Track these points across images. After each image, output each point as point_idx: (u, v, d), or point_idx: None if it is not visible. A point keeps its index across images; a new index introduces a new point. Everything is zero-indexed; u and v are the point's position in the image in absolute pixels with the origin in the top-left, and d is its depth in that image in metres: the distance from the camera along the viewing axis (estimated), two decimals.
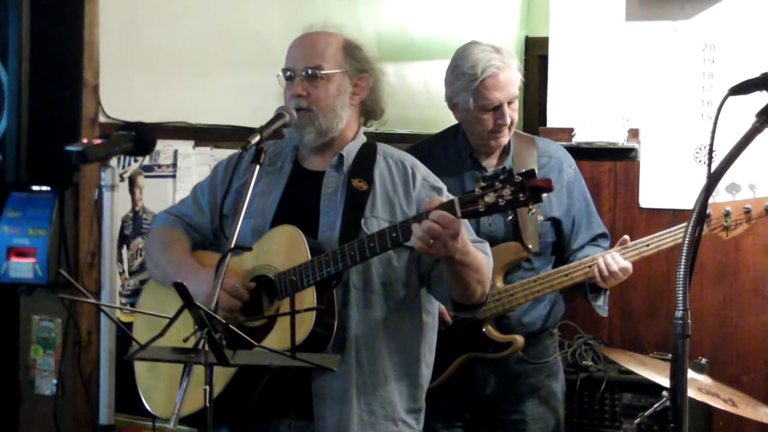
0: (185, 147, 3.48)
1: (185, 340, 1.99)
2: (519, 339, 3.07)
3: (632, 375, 3.30)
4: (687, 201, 3.71)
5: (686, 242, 1.80)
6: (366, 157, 2.55)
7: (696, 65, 3.90)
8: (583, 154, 3.97)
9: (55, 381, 3.15)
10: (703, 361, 3.04)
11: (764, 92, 1.85)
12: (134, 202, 3.32)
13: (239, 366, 2.12)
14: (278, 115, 2.43)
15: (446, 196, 2.41)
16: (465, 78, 3.02)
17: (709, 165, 1.85)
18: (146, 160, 3.33)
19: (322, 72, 2.47)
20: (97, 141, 2.43)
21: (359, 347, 2.45)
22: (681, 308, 1.79)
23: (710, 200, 2.98)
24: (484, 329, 3.07)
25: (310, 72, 2.47)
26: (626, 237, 3.05)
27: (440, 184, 2.57)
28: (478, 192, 2.16)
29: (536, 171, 2.18)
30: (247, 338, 1.97)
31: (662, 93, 3.95)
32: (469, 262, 2.33)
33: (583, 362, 3.61)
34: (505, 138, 3.09)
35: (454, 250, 2.24)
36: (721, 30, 3.87)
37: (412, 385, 2.54)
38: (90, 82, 3.10)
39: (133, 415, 2.89)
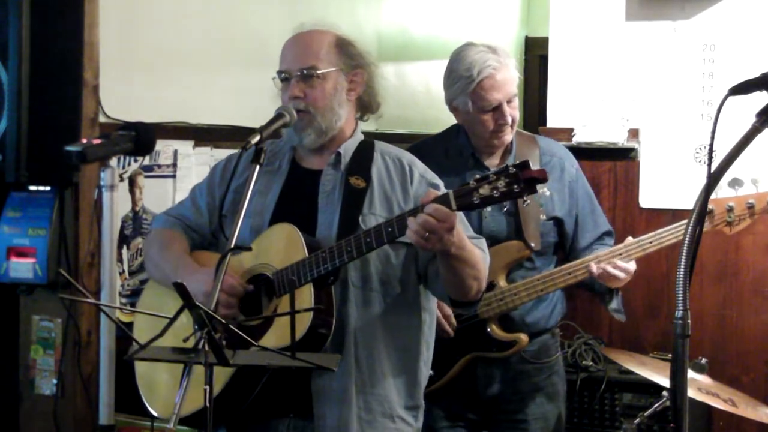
0: (185, 147, 3.48)
1: (185, 340, 1.99)
2: (523, 338, 3.07)
3: (632, 375, 3.29)
4: (687, 201, 3.71)
5: (686, 242, 1.80)
6: (363, 154, 2.56)
7: (696, 65, 3.90)
8: (583, 154, 3.96)
9: (55, 381, 3.15)
10: (703, 361, 3.04)
11: (764, 92, 1.85)
12: (134, 202, 3.32)
13: (238, 366, 2.12)
14: (278, 115, 2.43)
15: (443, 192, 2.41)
16: (462, 81, 3.02)
17: (709, 165, 1.85)
18: (146, 160, 3.33)
19: (318, 72, 2.48)
20: (97, 141, 2.44)
21: (358, 345, 2.45)
22: (681, 308, 1.79)
23: (713, 196, 2.99)
24: (488, 329, 3.07)
25: (305, 72, 2.48)
26: (630, 237, 3.06)
27: (438, 180, 2.57)
28: (473, 185, 2.17)
29: (531, 161, 2.18)
30: (247, 338, 1.97)
31: (662, 93, 3.95)
32: (464, 257, 2.33)
33: (583, 362, 3.60)
34: (508, 137, 3.08)
35: (450, 243, 2.24)
36: (721, 30, 3.87)
37: (411, 383, 2.55)
38: (90, 82, 3.10)
39: (133, 415, 2.90)
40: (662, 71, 3.94)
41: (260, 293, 2.46)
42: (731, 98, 1.83)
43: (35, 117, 3.00)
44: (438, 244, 2.23)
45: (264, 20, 3.87)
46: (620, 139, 3.94)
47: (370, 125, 2.74)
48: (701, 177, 3.29)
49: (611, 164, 4.01)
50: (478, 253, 2.42)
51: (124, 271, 3.27)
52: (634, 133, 3.95)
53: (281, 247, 2.42)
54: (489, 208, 3.05)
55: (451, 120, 3.23)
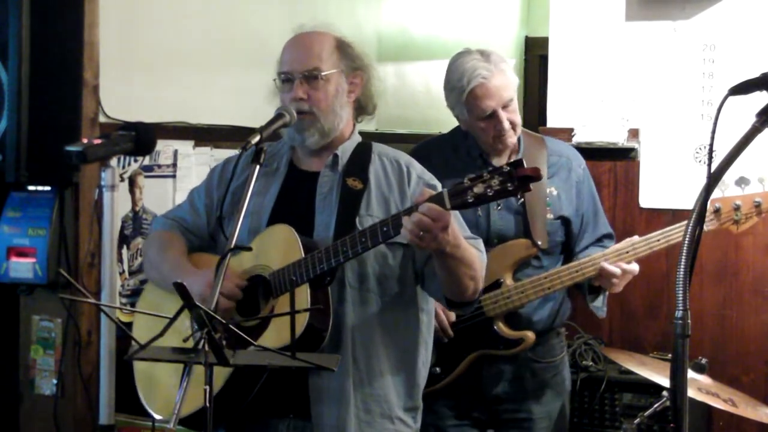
0: (185, 147, 3.48)
1: (185, 340, 2.00)
2: (530, 335, 3.07)
3: (632, 375, 3.29)
4: (687, 201, 3.71)
5: (686, 242, 1.80)
6: (361, 156, 2.56)
7: (696, 65, 3.90)
8: (583, 154, 3.95)
9: (55, 381, 3.15)
10: (703, 361, 3.04)
11: (764, 92, 1.85)
12: (134, 202, 3.32)
13: (237, 366, 2.12)
14: (278, 115, 2.43)
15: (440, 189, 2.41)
16: (456, 91, 3.05)
17: (709, 165, 1.85)
18: (146, 160, 3.33)
19: (322, 74, 2.48)
20: (97, 141, 2.44)
21: (355, 345, 2.45)
22: (681, 308, 1.79)
23: (720, 194, 3.00)
24: (495, 326, 3.08)
25: (309, 74, 2.48)
26: (636, 236, 3.06)
27: (435, 182, 2.57)
28: (467, 183, 2.17)
29: (540, 170, 2.18)
30: (248, 338, 1.97)
31: (662, 93, 3.95)
32: (460, 257, 2.33)
33: (583, 362, 3.60)
34: (512, 139, 3.09)
35: (445, 242, 2.24)
36: (721, 30, 3.87)
37: (409, 383, 2.55)
38: (90, 82, 3.10)
39: (133, 415, 2.90)
40: (662, 71, 3.94)
41: (257, 294, 2.46)
42: (731, 98, 1.83)
43: (35, 117, 3.00)
44: (433, 243, 2.23)
45: (264, 20, 3.87)
46: (620, 139, 3.94)
47: (369, 125, 2.75)
48: (701, 177, 3.29)
49: (611, 164, 4.01)
50: (475, 253, 2.42)
51: (124, 271, 3.27)
52: (634, 133, 3.95)
53: (278, 248, 2.42)
54: (497, 207, 3.06)
55: (451, 119, 3.24)
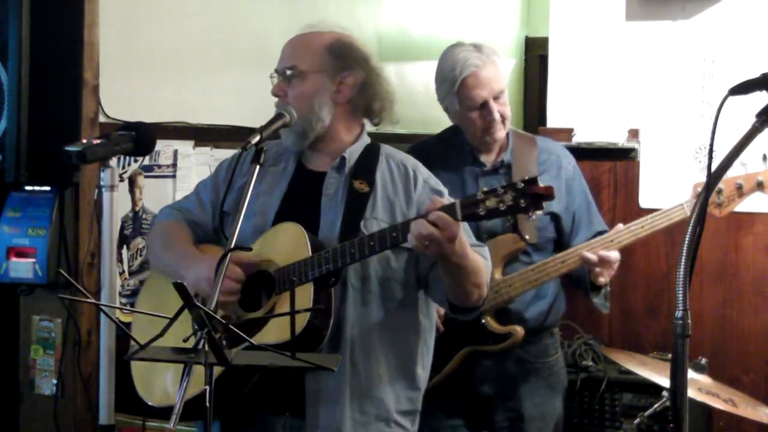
0: (185, 147, 3.48)
1: (185, 340, 1.99)
2: (519, 330, 3.07)
3: (632, 375, 3.29)
4: None
5: (686, 242, 1.80)
6: (368, 158, 2.55)
7: (696, 65, 3.90)
8: (583, 154, 3.96)
9: (55, 381, 3.15)
10: (703, 361, 3.04)
11: (764, 92, 1.85)
12: (134, 202, 3.32)
13: (236, 365, 2.12)
14: (278, 115, 2.43)
15: (447, 199, 2.41)
16: (447, 81, 3.06)
17: (709, 165, 1.85)
18: (146, 160, 3.33)
19: (297, 71, 2.48)
20: (97, 141, 2.44)
21: (354, 346, 2.45)
22: (681, 308, 1.79)
23: (697, 176, 2.99)
24: (483, 321, 3.08)
25: (286, 72, 2.49)
26: (620, 225, 3.06)
27: (441, 187, 2.57)
28: (480, 196, 2.17)
29: (537, 176, 2.19)
30: (247, 339, 1.96)
31: (662, 93, 3.95)
32: (465, 266, 2.33)
33: (583, 362, 3.60)
34: (501, 133, 3.09)
35: (451, 252, 2.24)
36: (721, 30, 3.86)
37: (408, 387, 2.54)
38: (90, 82, 3.10)
39: (133, 415, 2.90)
40: (662, 71, 3.94)
41: (260, 290, 2.46)
42: (731, 98, 1.83)
43: (35, 117, 3.00)
44: (438, 251, 2.23)
45: (264, 20, 3.87)
46: (620, 139, 3.94)
47: (369, 125, 2.74)
48: (701, 177, 3.30)
49: (611, 164, 4.00)
50: (480, 261, 2.41)
51: (124, 271, 3.27)
52: (634, 133, 3.95)
53: (286, 245, 2.42)
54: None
55: (448, 121, 3.24)
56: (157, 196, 3.36)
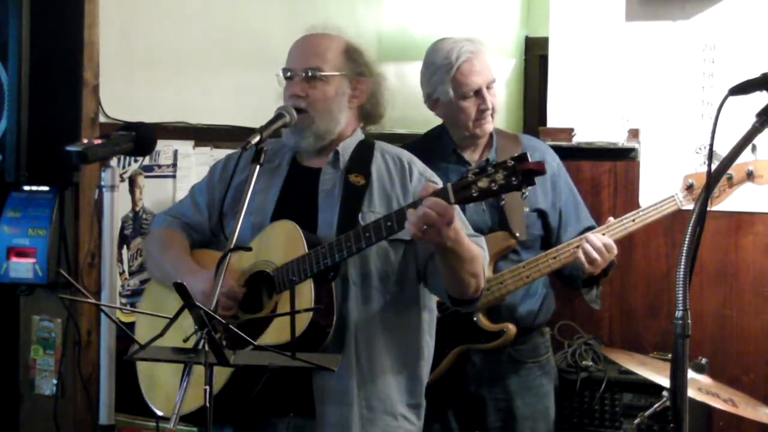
0: (185, 147, 3.48)
1: (185, 340, 2.00)
2: (511, 327, 3.07)
3: (632, 375, 3.30)
4: None
5: (686, 242, 1.80)
6: (363, 153, 2.57)
7: (696, 65, 3.90)
8: (583, 154, 3.97)
9: (55, 381, 3.15)
10: (703, 361, 3.04)
11: (764, 92, 1.85)
12: (134, 202, 3.32)
13: (238, 366, 2.12)
14: (278, 115, 2.44)
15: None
16: (441, 70, 3.08)
17: (709, 165, 1.85)
18: (146, 160, 3.33)
19: (321, 74, 2.48)
20: (97, 141, 2.44)
21: (358, 342, 2.46)
22: (681, 308, 1.79)
23: (693, 171, 3.00)
24: (475, 318, 3.08)
25: (309, 73, 2.48)
26: (610, 218, 3.07)
27: (436, 178, 2.59)
28: (471, 178, 2.17)
29: (527, 152, 2.19)
30: (248, 339, 1.96)
31: (662, 93, 3.95)
32: (462, 253, 2.33)
33: (583, 362, 3.60)
34: (490, 125, 3.11)
35: (447, 237, 2.24)
36: (721, 30, 3.87)
37: (411, 380, 2.55)
38: (90, 82, 3.10)
39: (133, 415, 2.90)
40: (662, 71, 3.94)
41: (261, 290, 2.46)
42: (731, 98, 1.83)
43: (35, 117, 3.00)
44: (436, 237, 2.22)
45: (264, 20, 3.87)
46: (620, 139, 3.95)
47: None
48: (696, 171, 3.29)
49: (611, 164, 4.01)
50: (476, 250, 2.42)
51: (124, 271, 3.27)
52: (634, 133, 3.95)
53: (281, 244, 2.43)
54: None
55: None
56: (157, 196, 3.36)
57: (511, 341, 3.10)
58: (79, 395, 3.13)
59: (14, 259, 3.10)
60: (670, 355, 3.31)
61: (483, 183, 2.16)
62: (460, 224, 2.35)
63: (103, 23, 3.11)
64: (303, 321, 2.28)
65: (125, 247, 3.28)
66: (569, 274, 3.14)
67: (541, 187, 3.13)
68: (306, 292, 2.34)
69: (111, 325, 2.63)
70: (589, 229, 3.20)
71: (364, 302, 2.46)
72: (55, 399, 3.13)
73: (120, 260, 3.23)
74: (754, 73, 1.87)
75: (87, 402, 3.13)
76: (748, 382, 3.76)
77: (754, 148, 3.03)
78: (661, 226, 3.10)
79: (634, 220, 3.04)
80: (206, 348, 1.91)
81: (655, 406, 3.03)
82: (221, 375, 2.35)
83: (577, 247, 3.03)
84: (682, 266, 1.79)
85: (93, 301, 2.69)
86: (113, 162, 3.09)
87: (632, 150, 3.97)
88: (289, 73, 2.52)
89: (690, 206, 3.01)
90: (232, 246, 2.19)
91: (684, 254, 1.80)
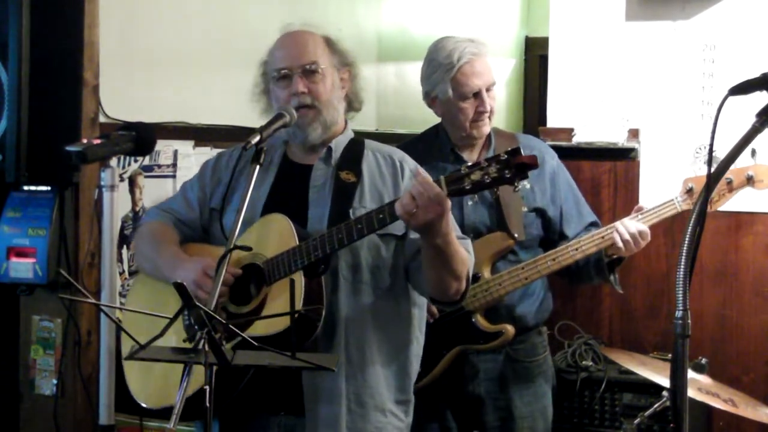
0: (185, 147, 3.48)
1: (185, 341, 2.00)
2: (509, 328, 3.07)
3: (632, 375, 3.29)
4: None
5: (686, 242, 1.80)
6: (354, 150, 2.59)
7: (696, 65, 3.90)
8: (583, 154, 3.97)
9: (55, 381, 3.15)
10: (703, 361, 3.04)
11: (764, 92, 1.85)
12: (134, 202, 3.32)
13: (241, 365, 2.11)
14: (278, 115, 2.44)
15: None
16: (442, 68, 3.08)
17: (709, 165, 1.85)
18: (146, 160, 3.33)
19: (320, 67, 2.51)
20: (97, 141, 2.44)
21: (348, 337, 2.46)
22: (681, 308, 1.79)
23: (692, 174, 3.00)
24: (473, 319, 3.08)
25: (308, 69, 2.50)
26: (641, 205, 3.06)
27: (428, 177, 2.59)
28: (465, 171, 2.19)
29: (519, 146, 2.19)
30: (249, 339, 1.96)
31: (662, 93, 3.95)
32: (449, 252, 2.33)
33: (583, 362, 3.60)
34: (487, 127, 3.11)
35: (438, 230, 2.25)
36: (721, 30, 3.86)
37: (401, 376, 2.56)
38: (90, 82, 3.10)
39: (133, 415, 2.90)
40: (662, 71, 3.94)
41: (249, 281, 2.46)
42: (731, 98, 1.83)
43: (35, 117, 3.00)
44: (425, 217, 2.21)
45: (264, 20, 3.87)
46: (620, 139, 3.94)
47: (370, 125, 2.76)
48: (696, 173, 3.29)
49: (611, 164, 4.00)
50: (463, 252, 2.42)
51: (124, 271, 3.27)
52: (634, 133, 3.95)
53: (272, 237, 2.43)
54: (470, 201, 3.07)
55: None
56: (157, 196, 3.36)
57: (510, 342, 3.10)
58: (79, 395, 3.13)
59: (14, 259, 3.10)
60: (670, 355, 3.31)
61: (476, 176, 2.17)
62: (453, 222, 2.37)
63: (103, 23, 3.12)
64: (287, 318, 2.28)
65: (125, 247, 3.29)
66: (585, 263, 3.11)
67: (539, 186, 3.13)
68: (297, 286, 2.34)
69: (111, 325, 2.64)
70: (593, 224, 3.20)
71: (355, 296, 2.47)
72: (55, 399, 3.13)
73: (120, 260, 3.23)
74: (754, 73, 1.87)
75: (87, 402, 3.13)
76: (748, 382, 3.76)
77: (753, 153, 3.04)
78: (661, 226, 3.09)
79: (646, 218, 3.04)
80: (206, 348, 1.91)
81: (655, 406, 3.02)
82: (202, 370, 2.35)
83: (577, 249, 3.03)
84: (682, 266, 1.79)
85: (93, 301, 2.69)
86: (113, 162, 3.10)
87: (632, 150, 3.96)
88: (285, 72, 2.53)
89: (689, 208, 3.01)
90: (231, 245, 2.19)
91: (684, 254, 1.80)
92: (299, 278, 2.35)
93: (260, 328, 2.30)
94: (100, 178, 2.68)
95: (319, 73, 2.50)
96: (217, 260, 2.18)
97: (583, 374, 3.58)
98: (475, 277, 3.03)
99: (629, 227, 2.98)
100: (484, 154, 3.15)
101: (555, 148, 3.39)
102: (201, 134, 3.55)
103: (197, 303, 1.88)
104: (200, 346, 1.91)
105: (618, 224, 3.00)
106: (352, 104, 2.64)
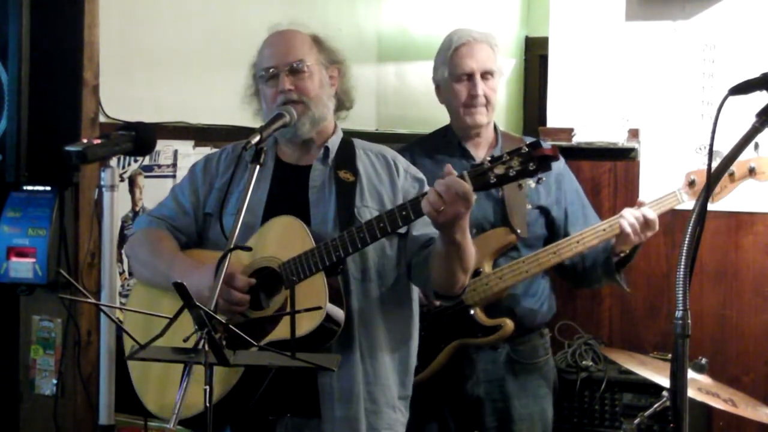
0: (185, 147, 3.48)
1: (185, 340, 1.99)
2: (508, 323, 3.06)
3: (632, 375, 3.29)
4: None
5: (686, 242, 1.80)
6: (346, 150, 2.60)
7: (696, 65, 3.90)
8: (583, 154, 3.97)
9: (55, 381, 3.15)
10: (703, 361, 3.04)
11: (764, 92, 1.85)
12: (134, 202, 3.32)
13: (241, 365, 2.12)
14: (278, 115, 2.44)
15: (426, 188, 2.42)
16: (442, 53, 3.14)
17: (709, 165, 1.85)
18: (146, 160, 3.33)
19: (306, 64, 2.51)
20: (97, 141, 2.44)
21: (362, 338, 2.47)
22: (681, 308, 1.79)
23: (697, 168, 3.01)
24: (472, 312, 3.08)
25: (295, 66, 2.50)
26: (642, 199, 3.06)
27: (421, 175, 2.62)
28: (487, 165, 2.19)
29: (539, 139, 2.20)
30: (247, 338, 1.96)
31: (662, 93, 3.95)
32: (464, 245, 2.34)
33: (583, 362, 3.60)
34: (481, 116, 3.10)
35: (460, 226, 2.26)
36: (721, 30, 3.87)
37: (404, 372, 2.58)
38: (90, 82, 3.10)
39: (133, 415, 2.90)
40: (662, 71, 3.94)
41: (259, 287, 2.45)
42: (731, 98, 1.83)
43: (35, 117, 3.00)
44: (452, 214, 2.20)
45: (264, 20, 3.85)
46: (620, 139, 3.94)
47: (370, 125, 2.76)
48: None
49: (611, 164, 4.01)
50: (472, 247, 2.43)
51: (124, 271, 3.27)
52: (634, 133, 3.95)
53: (284, 239, 2.42)
54: (474, 196, 3.08)
55: (449, 120, 3.25)
56: (157, 196, 3.35)
57: (508, 336, 3.10)
58: (79, 395, 3.13)
59: (14, 259, 3.10)
60: (670, 355, 3.31)
61: (500, 170, 2.17)
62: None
63: (103, 23, 3.12)
64: (315, 318, 2.28)
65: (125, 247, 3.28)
66: (593, 261, 3.11)
67: (544, 186, 3.13)
68: (319, 286, 2.34)
69: (111, 325, 2.63)
70: None
71: (365, 296, 2.48)
72: (55, 399, 3.13)
73: (120, 260, 3.23)
74: (754, 73, 1.87)
75: (87, 402, 3.13)
76: (748, 382, 3.76)
77: (756, 146, 3.04)
78: (661, 226, 3.08)
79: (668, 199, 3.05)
80: (206, 348, 1.91)
81: (655, 406, 3.02)
82: (225, 382, 2.34)
83: (578, 242, 3.04)
84: (682, 266, 1.79)
85: (93, 301, 2.69)
86: (113, 162, 3.10)
87: (632, 150, 3.96)
88: (272, 71, 2.53)
89: (691, 203, 3.01)
90: (231, 246, 2.19)
91: (684, 254, 1.80)
92: (321, 279, 2.35)
93: (282, 332, 2.29)
94: (100, 178, 2.68)
95: (305, 71, 2.51)
96: (229, 267, 2.18)
97: (583, 374, 3.58)
98: (476, 272, 3.03)
99: (635, 212, 2.97)
100: (492, 152, 3.15)
101: None
102: (201, 134, 3.55)
103: (197, 303, 1.88)
104: (200, 346, 1.91)
105: (624, 211, 3.00)
106: (343, 103, 2.64)
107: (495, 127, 3.22)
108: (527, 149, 2.15)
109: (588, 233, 3.04)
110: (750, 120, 1.85)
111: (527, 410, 3.17)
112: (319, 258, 2.35)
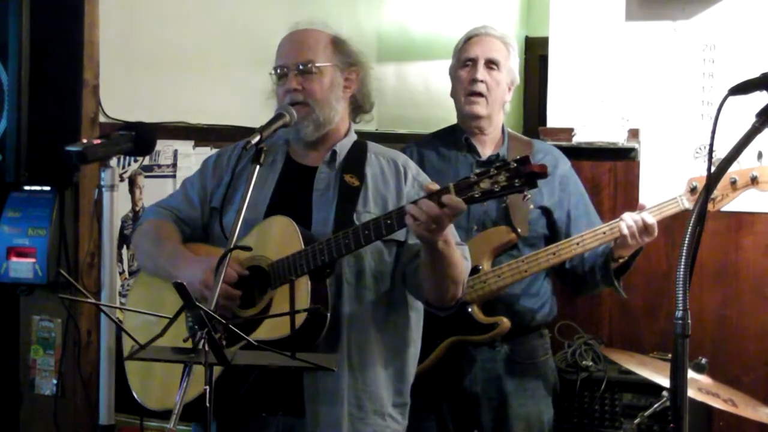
0: (185, 147, 3.48)
1: (185, 340, 1.99)
2: (505, 320, 3.06)
3: (632, 375, 3.29)
4: None
5: (686, 242, 1.80)
6: (357, 154, 2.58)
7: (696, 65, 3.90)
8: (583, 154, 3.96)
9: (55, 381, 3.15)
10: (703, 361, 3.04)
11: (764, 92, 1.85)
12: (134, 202, 3.32)
13: (241, 365, 2.11)
14: (278, 115, 2.44)
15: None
16: (456, 47, 3.20)
17: (709, 165, 1.85)
18: (146, 160, 3.33)
19: (315, 65, 2.50)
20: (97, 141, 2.44)
21: (350, 341, 2.46)
22: (681, 308, 1.79)
23: (699, 174, 3.01)
24: (469, 310, 3.07)
25: (302, 67, 2.50)
26: (643, 203, 3.06)
27: (430, 182, 2.58)
28: (474, 179, 2.17)
29: (530, 157, 2.18)
30: (249, 339, 1.96)
31: (662, 93, 3.95)
32: (450, 256, 2.33)
33: (583, 362, 3.60)
34: (479, 107, 3.11)
35: (439, 236, 2.25)
36: (721, 30, 3.86)
37: (399, 380, 2.56)
38: (90, 82, 3.11)
39: (134, 415, 2.90)
40: (662, 71, 3.94)
41: (253, 285, 2.45)
42: (731, 98, 1.83)
43: (35, 117, 3.00)
44: (433, 228, 2.21)
45: (264, 20, 3.87)
46: (620, 139, 3.94)
47: (369, 125, 2.75)
48: (699, 173, 3.29)
49: (611, 164, 4.00)
50: (461, 258, 2.43)
51: (124, 271, 3.27)
52: (634, 133, 3.95)
53: (277, 239, 2.43)
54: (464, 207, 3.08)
55: (449, 120, 3.25)
56: (157, 196, 3.35)
57: (507, 336, 3.09)
58: (79, 395, 3.13)
59: (14, 259, 3.10)
60: (670, 355, 3.31)
61: (485, 184, 2.15)
62: (451, 229, 2.37)
63: (103, 23, 3.12)
64: (298, 319, 2.27)
65: (125, 247, 3.29)
66: (591, 266, 3.11)
67: (547, 186, 3.13)
68: (303, 289, 2.34)
69: (111, 325, 2.63)
70: None
71: (358, 301, 2.47)
72: (55, 399, 3.13)
73: (120, 260, 3.23)
74: (754, 73, 1.87)
75: (87, 402, 3.13)
76: (748, 382, 3.76)
77: (759, 156, 3.03)
78: (661, 226, 3.08)
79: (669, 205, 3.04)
80: (206, 348, 1.91)
81: (655, 406, 3.02)
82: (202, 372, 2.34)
83: (578, 244, 3.04)
84: (682, 266, 1.79)
85: (93, 301, 2.69)
86: (113, 162, 3.10)
87: (632, 150, 3.96)
88: (281, 70, 2.53)
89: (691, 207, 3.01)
90: (232, 245, 2.19)
91: (684, 254, 1.80)
92: (305, 282, 2.35)
93: (265, 332, 2.29)
94: (100, 178, 2.68)
95: (314, 72, 2.50)
96: (224, 268, 2.17)
97: (583, 374, 3.57)
98: (475, 269, 3.03)
99: (635, 216, 2.97)
100: (497, 150, 3.16)
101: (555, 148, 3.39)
102: (201, 134, 3.55)
103: (198, 303, 1.88)
104: (200, 346, 1.91)
105: (624, 215, 3.00)
106: (362, 106, 2.63)
107: (503, 128, 3.23)
108: (514, 164, 2.13)
109: (588, 235, 3.04)
110: (750, 120, 1.85)
111: (524, 410, 3.16)
112: (304, 261, 2.35)
